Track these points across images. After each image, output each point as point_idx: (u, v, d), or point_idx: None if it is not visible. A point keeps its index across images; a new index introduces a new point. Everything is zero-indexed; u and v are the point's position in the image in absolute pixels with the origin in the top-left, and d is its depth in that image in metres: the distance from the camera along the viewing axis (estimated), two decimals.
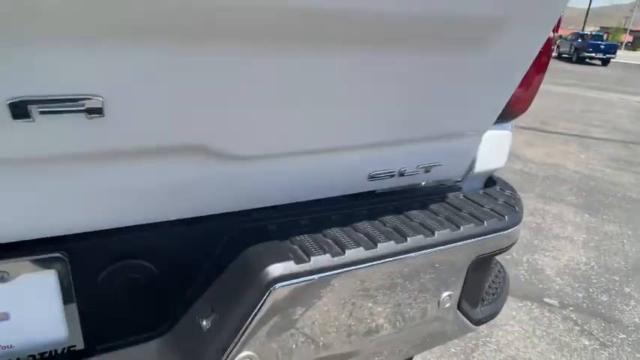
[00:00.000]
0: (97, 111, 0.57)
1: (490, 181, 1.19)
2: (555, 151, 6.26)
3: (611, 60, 25.19)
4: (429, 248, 0.87)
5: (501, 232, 0.95)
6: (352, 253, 0.79)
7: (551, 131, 7.38)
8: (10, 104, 0.52)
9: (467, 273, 0.95)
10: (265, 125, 0.73)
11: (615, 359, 2.35)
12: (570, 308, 2.75)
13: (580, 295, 2.91)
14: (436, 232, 0.88)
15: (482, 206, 1.01)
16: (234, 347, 0.73)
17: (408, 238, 0.85)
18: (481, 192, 1.12)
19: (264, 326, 0.74)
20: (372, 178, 0.97)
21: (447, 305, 0.96)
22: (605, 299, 2.88)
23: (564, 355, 2.35)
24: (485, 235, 0.93)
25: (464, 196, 1.08)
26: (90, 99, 0.56)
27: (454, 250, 0.90)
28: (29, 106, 0.53)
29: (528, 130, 7.25)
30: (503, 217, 0.98)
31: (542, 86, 1.22)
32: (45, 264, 0.70)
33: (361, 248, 0.80)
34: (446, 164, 1.05)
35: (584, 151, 6.39)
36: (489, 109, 0.99)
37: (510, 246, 1.01)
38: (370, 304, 0.85)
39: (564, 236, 3.70)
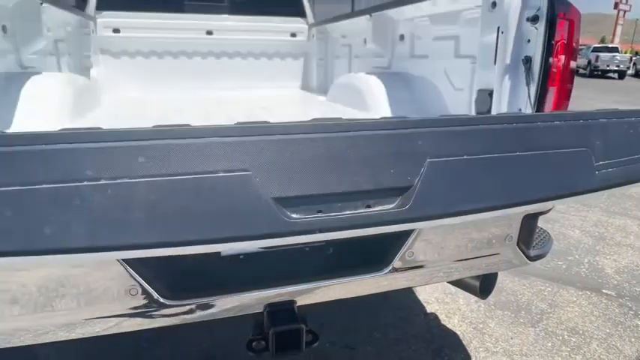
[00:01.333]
0: None
1: None
2: None
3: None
4: (501, 208, 1.67)
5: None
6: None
7: None
8: None
9: (521, 224, 1.73)
10: None
11: None
12: (626, 298, 3.27)
13: (637, 289, 3.40)
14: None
15: None
16: (405, 247, 1.57)
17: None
18: None
19: (414, 242, 1.58)
20: None
21: (511, 242, 1.74)
22: None
23: (618, 330, 2.90)
24: (529, 203, 1.71)
25: None
26: None
27: (514, 210, 1.70)
28: None
29: None
30: None
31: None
32: None
33: None
34: None
35: None
36: None
37: (547, 212, 1.77)
38: (471, 236, 1.66)
39: (626, 244, 4.16)
